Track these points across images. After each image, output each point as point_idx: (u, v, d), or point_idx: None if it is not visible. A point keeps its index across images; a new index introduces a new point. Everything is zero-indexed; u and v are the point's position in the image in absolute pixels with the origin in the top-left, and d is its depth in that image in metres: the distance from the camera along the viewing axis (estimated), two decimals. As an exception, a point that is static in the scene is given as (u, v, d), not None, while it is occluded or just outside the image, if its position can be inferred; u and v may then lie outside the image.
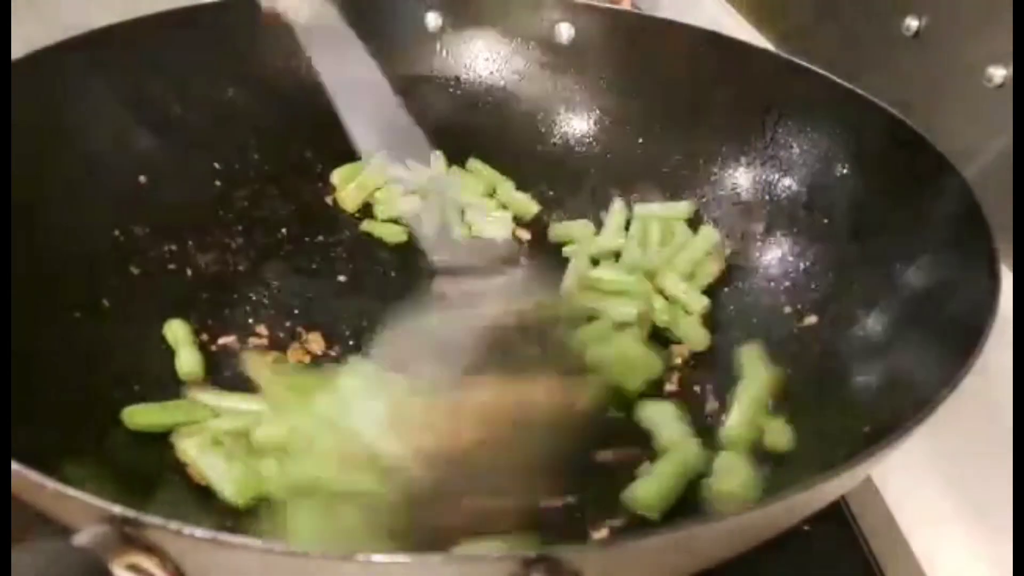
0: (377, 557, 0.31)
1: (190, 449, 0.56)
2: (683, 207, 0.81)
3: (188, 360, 0.65)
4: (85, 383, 0.60)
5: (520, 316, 0.63)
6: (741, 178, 0.81)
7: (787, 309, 0.72)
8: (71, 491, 0.34)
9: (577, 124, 0.91)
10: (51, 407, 0.54)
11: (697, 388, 0.68)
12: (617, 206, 0.83)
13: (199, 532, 0.31)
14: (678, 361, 0.70)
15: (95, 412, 0.58)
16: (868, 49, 0.86)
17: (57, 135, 0.68)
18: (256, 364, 0.63)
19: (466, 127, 0.91)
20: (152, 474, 0.55)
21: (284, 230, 0.82)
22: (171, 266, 0.74)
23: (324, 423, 0.54)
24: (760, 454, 0.60)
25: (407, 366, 0.57)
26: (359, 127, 0.68)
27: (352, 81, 0.69)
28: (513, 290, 0.69)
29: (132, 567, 0.32)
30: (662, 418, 0.62)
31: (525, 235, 0.85)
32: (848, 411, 0.56)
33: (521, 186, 0.89)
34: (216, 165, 0.81)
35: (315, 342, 0.70)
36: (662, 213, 0.81)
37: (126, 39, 0.74)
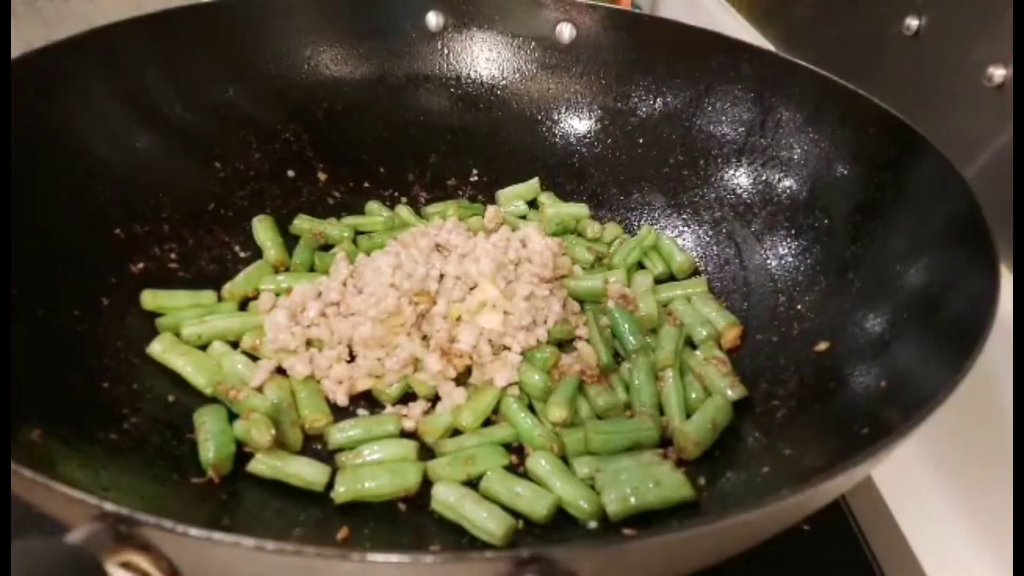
0: (372, 556, 0.31)
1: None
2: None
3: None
4: (84, 380, 0.60)
5: None
6: (741, 178, 0.81)
7: (788, 309, 0.71)
8: (64, 488, 0.33)
9: (577, 124, 0.91)
10: (49, 404, 0.54)
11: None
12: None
13: (193, 531, 0.31)
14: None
15: (93, 410, 0.58)
16: (868, 49, 0.86)
17: (57, 135, 0.68)
18: None
19: (466, 127, 0.91)
20: (149, 472, 0.55)
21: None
22: (172, 265, 0.74)
23: None
24: (762, 455, 0.60)
25: None
26: None
27: None
28: None
29: (126, 565, 0.32)
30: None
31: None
32: (848, 412, 0.56)
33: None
34: (216, 165, 0.81)
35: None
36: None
37: (126, 39, 0.74)
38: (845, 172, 0.71)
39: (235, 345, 0.70)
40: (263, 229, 0.80)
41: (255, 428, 0.58)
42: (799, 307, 0.71)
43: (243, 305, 0.74)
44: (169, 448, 0.59)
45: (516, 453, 0.63)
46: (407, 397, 0.68)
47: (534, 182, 0.90)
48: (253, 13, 0.84)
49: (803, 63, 0.75)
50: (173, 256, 0.74)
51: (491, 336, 0.68)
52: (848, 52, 0.90)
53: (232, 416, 0.61)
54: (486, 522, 0.54)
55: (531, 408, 0.65)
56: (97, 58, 0.72)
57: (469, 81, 0.92)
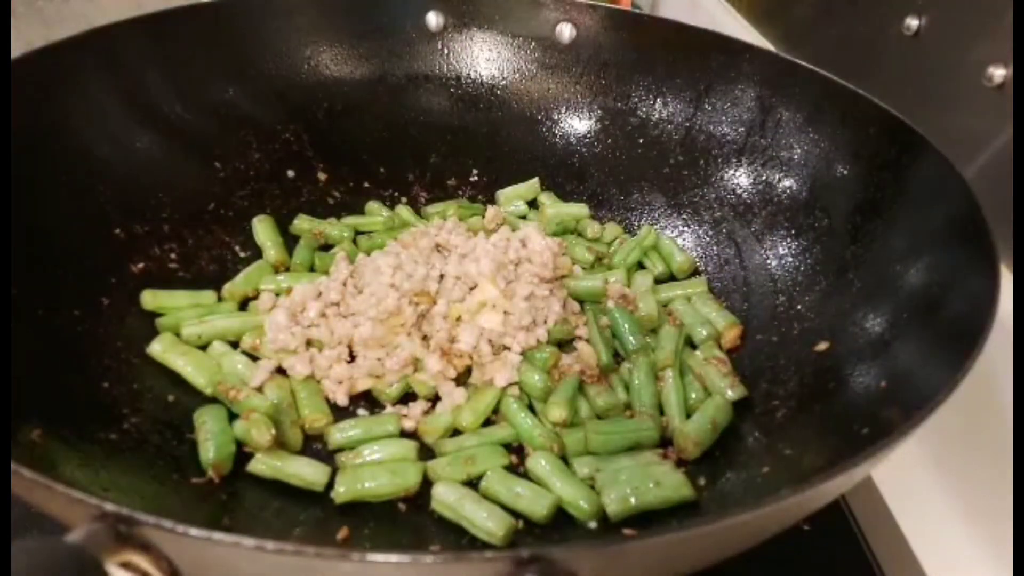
0: (372, 556, 0.31)
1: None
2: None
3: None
4: (84, 380, 0.60)
5: None
6: (741, 178, 0.81)
7: (788, 309, 0.71)
8: (64, 488, 0.33)
9: (577, 124, 0.91)
10: (49, 404, 0.54)
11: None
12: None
13: (193, 531, 0.31)
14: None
15: (93, 410, 0.58)
16: (868, 49, 0.86)
17: (57, 135, 0.68)
18: None
19: (466, 127, 0.91)
20: (149, 472, 0.55)
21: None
22: (172, 265, 0.74)
23: None
24: (762, 455, 0.60)
25: None
26: None
27: None
28: None
29: (126, 565, 0.32)
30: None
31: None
32: (848, 412, 0.56)
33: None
34: (216, 165, 0.81)
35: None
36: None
37: (126, 39, 0.74)
38: (845, 172, 0.71)
39: (235, 345, 0.70)
40: (263, 229, 0.80)
41: (255, 428, 0.58)
42: (799, 307, 0.71)
43: (243, 305, 0.74)
44: (169, 448, 0.59)
45: (516, 453, 0.63)
46: (407, 397, 0.68)
47: (534, 182, 0.90)
48: (253, 13, 0.84)
49: (803, 63, 0.75)
50: (173, 256, 0.74)
51: (491, 336, 0.68)
52: (848, 52, 0.90)
53: (232, 416, 0.61)
54: (486, 522, 0.54)
55: (531, 408, 0.65)
56: (97, 58, 0.72)
57: (469, 81, 0.92)
